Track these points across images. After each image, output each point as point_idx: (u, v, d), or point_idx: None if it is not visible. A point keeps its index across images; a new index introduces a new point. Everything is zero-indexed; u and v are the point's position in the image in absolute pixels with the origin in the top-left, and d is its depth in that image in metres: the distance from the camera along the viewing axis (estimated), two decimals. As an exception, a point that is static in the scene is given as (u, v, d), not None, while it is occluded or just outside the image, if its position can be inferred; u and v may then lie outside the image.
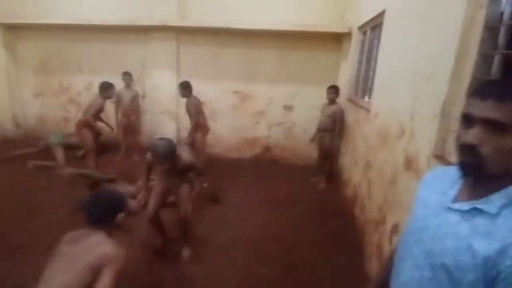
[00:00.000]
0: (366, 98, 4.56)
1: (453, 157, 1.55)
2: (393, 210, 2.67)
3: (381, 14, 3.80)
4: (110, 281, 1.67)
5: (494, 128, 0.83)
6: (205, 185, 4.61)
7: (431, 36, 2.35)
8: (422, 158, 2.22)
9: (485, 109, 0.85)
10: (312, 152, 6.27)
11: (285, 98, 6.46)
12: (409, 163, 2.44)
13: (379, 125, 3.39)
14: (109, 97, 5.18)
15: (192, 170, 3.21)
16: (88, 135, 4.99)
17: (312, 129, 5.76)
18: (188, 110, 5.14)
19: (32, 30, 6.85)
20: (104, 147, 5.94)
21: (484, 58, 1.82)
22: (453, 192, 0.97)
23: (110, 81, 6.28)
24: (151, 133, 6.79)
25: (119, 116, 6.17)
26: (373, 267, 2.97)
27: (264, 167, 6.37)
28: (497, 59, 1.77)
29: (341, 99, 5.37)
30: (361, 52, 5.01)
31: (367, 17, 4.42)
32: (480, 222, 0.86)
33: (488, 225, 0.84)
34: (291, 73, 6.33)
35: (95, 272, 1.67)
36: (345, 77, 5.67)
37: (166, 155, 2.78)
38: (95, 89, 6.82)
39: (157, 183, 3.28)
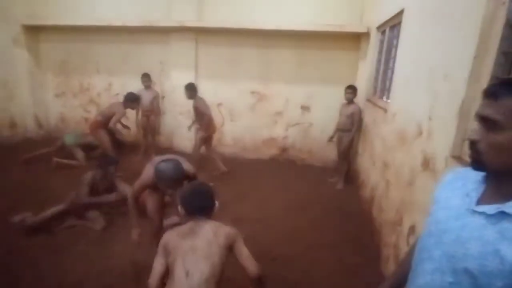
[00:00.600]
0: (384, 98, 4.50)
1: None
2: (410, 211, 2.63)
3: (399, 13, 3.75)
4: (247, 250, 1.93)
5: (489, 125, 0.87)
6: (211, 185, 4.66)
7: (450, 34, 2.31)
8: (440, 159, 2.19)
9: (483, 107, 0.89)
10: (329, 153, 6.25)
11: (303, 98, 6.44)
12: (427, 164, 2.40)
13: (397, 125, 3.35)
14: (132, 108, 5.26)
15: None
16: (104, 136, 5.12)
17: (330, 129, 5.73)
18: (197, 110, 5.29)
19: (53, 31, 7.04)
20: (123, 148, 6.05)
21: (505, 56, 1.78)
22: (477, 194, 0.95)
23: (129, 82, 6.45)
24: (170, 134, 6.89)
25: (139, 117, 6.28)
26: (390, 268, 2.93)
27: (281, 167, 6.37)
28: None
29: (360, 99, 5.32)
30: (380, 52, 4.95)
31: (386, 16, 4.36)
32: (508, 226, 0.83)
33: None
34: (308, 73, 6.30)
35: (228, 250, 1.90)
36: (363, 77, 5.61)
37: (178, 179, 2.52)
38: (115, 90, 7.08)
39: (152, 197, 3.08)
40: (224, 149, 6.82)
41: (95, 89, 7.31)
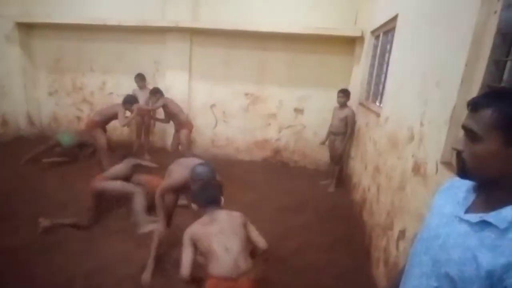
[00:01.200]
0: (377, 103, 4.54)
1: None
2: (401, 215, 2.66)
3: (394, 19, 3.79)
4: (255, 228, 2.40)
5: (471, 136, 0.90)
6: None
7: (442, 41, 2.34)
8: (431, 164, 2.21)
9: (466, 118, 0.93)
10: (322, 156, 6.28)
11: (296, 101, 6.46)
12: (418, 169, 2.42)
13: (389, 130, 3.38)
14: (130, 111, 5.23)
15: None
16: (101, 136, 5.08)
17: (322, 132, 5.76)
18: (168, 112, 5.48)
19: (47, 29, 6.97)
20: (115, 147, 6.02)
21: (496, 64, 1.81)
22: (467, 202, 0.98)
23: (123, 81, 6.43)
24: (163, 134, 6.87)
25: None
26: (380, 272, 2.96)
27: (274, 169, 6.38)
28: (509, 65, 1.75)
29: (353, 103, 5.35)
30: (374, 56, 4.99)
31: (380, 21, 4.40)
32: (488, 235, 0.85)
33: (496, 239, 0.84)
34: (302, 76, 6.32)
35: (244, 228, 2.30)
36: (357, 81, 5.65)
37: (212, 182, 2.67)
38: (109, 89, 7.04)
39: (169, 196, 3.15)
40: (217, 150, 6.82)
41: (88, 88, 7.24)
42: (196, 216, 2.40)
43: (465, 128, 0.92)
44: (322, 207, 4.70)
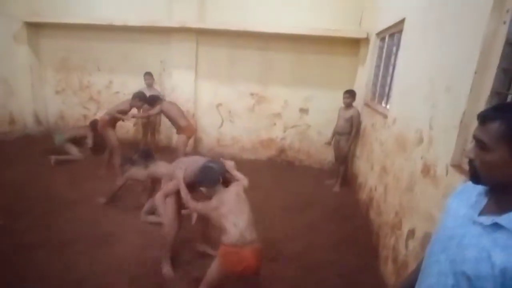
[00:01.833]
0: (383, 104, 4.62)
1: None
2: (410, 216, 2.75)
3: (400, 22, 3.86)
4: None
5: (480, 145, 1.00)
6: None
7: (451, 48, 2.43)
8: (440, 167, 2.30)
9: (476, 129, 1.03)
10: (326, 155, 6.38)
11: (301, 101, 6.55)
12: (427, 171, 2.51)
13: (397, 131, 3.46)
14: (138, 108, 5.29)
15: None
16: (112, 134, 5.15)
17: (327, 132, 5.86)
18: (166, 116, 5.45)
19: (54, 28, 7.06)
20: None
21: (504, 73, 1.90)
22: (479, 205, 1.06)
23: (130, 80, 6.50)
24: (169, 133, 6.95)
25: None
26: (389, 270, 3.05)
27: (279, 168, 6.47)
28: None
29: (358, 104, 5.43)
30: (379, 58, 5.07)
31: (386, 24, 4.47)
32: (500, 236, 0.94)
33: (508, 240, 0.92)
34: (307, 76, 6.41)
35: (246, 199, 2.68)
36: (362, 82, 5.73)
37: (222, 178, 2.80)
38: (115, 88, 7.12)
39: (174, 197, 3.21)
40: (223, 149, 6.91)
41: (95, 87, 7.33)
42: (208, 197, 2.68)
43: (475, 138, 1.02)
44: (328, 206, 4.79)
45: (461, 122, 2.10)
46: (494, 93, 1.93)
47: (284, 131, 6.75)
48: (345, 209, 4.73)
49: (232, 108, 6.78)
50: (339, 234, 4.01)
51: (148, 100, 5.28)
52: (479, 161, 1.01)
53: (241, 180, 2.80)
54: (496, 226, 0.96)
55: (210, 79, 6.70)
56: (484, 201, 1.07)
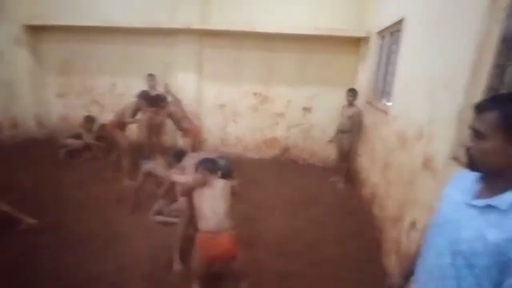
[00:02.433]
0: (384, 101, 4.70)
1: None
2: (411, 208, 2.84)
3: (400, 22, 3.95)
4: None
5: (477, 135, 1.09)
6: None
7: (449, 46, 2.52)
8: (440, 160, 2.39)
9: (473, 119, 1.11)
10: (330, 153, 6.46)
11: (304, 100, 6.65)
12: (427, 164, 2.61)
13: (398, 127, 3.55)
14: (144, 106, 5.37)
15: None
16: (122, 137, 5.22)
17: (330, 130, 5.96)
18: (170, 118, 5.60)
19: (55, 31, 7.05)
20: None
21: (499, 69, 1.99)
22: (474, 191, 1.16)
23: (133, 82, 6.60)
24: (174, 133, 7.04)
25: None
26: (392, 261, 3.14)
27: (283, 167, 6.57)
28: (510, 70, 1.93)
29: (360, 102, 5.52)
30: (380, 56, 5.14)
31: (386, 23, 4.56)
32: (493, 216, 1.04)
33: (499, 219, 1.02)
34: (309, 75, 6.51)
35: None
36: (363, 80, 5.82)
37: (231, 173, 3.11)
38: (118, 90, 7.16)
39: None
40: (227, 148, 7.00)
41: (98, 90, 7.35)
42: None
43: (472, 127, 1.11)
44: (333, 202, 4.90)
45: (459, 116, 2.20)
46: (489, 88, 2.02)
47: (288, 130, 6.84)
48: (349, 205, 4.83)
49: (235, 108, 6.88)
50: (344, 230, 4.10)
51: (152, 100, 5.31)
52: (475, 149, 1.10)
53: (234, 183, 3.03)
54: (489, 207, 1.06)
55: (214, 80, 6.79)
56: (478, 187, 1.17)
